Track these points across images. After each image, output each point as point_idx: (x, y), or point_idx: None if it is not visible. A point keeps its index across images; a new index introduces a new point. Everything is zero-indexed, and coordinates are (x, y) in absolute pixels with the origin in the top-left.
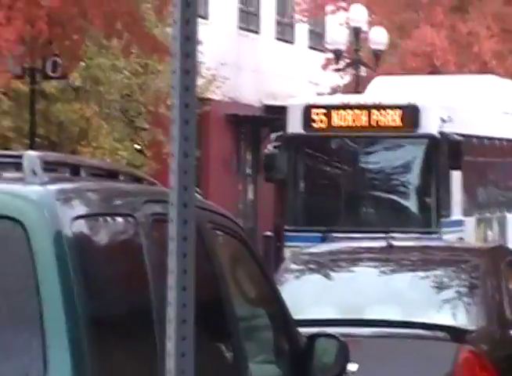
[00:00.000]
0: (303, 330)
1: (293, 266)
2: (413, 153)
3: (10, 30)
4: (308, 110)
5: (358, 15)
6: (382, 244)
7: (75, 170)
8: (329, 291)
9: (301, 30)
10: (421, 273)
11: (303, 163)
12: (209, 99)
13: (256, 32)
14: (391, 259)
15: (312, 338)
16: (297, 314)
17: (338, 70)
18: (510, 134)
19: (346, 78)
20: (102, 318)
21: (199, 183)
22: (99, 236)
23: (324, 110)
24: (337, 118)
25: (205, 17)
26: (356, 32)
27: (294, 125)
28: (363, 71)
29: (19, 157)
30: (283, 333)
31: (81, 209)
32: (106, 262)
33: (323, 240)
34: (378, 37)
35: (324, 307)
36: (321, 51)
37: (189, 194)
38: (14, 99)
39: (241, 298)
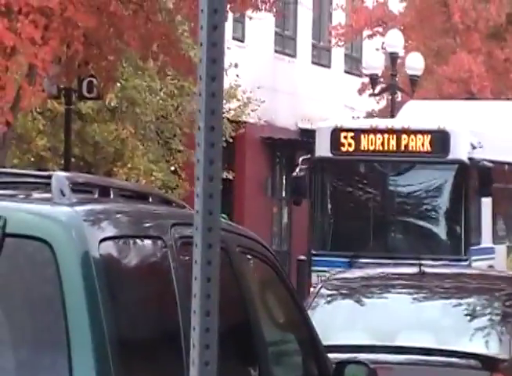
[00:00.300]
0: (333, 355)
1: (325, 291)
2: (442, 179)
3: (46, 50)
4: (336, 133)
5: (395, 40)
6: (414, 270)
7: (104, 191)
8: (361, 316)
9: (338, 55)
10: (453, 301)
11: (330, 186)
12: (244, 122)
13: (292, 56)
14: (424, 286)
15: (342, 364)
16: (327, 339)
17: (374, 94)
18: None
19: (382, 103)
20: (129, 340)
21: (233, 206)
22: (127, 258)
23: (352, 134)
24: (365, 142)
25: (241, 40)
26: (392, 57)
27: (322, 148)
28: (399, 96)
29: (49, 177)
30: (312, 358)
31: (109, 231)
32: (133, 284)
33: (350, 265)
34: (414, 63)
35: (355, 333)
36: (357, 75)
37: (214, 218)
38: (50, 119)
39: (270, 323)
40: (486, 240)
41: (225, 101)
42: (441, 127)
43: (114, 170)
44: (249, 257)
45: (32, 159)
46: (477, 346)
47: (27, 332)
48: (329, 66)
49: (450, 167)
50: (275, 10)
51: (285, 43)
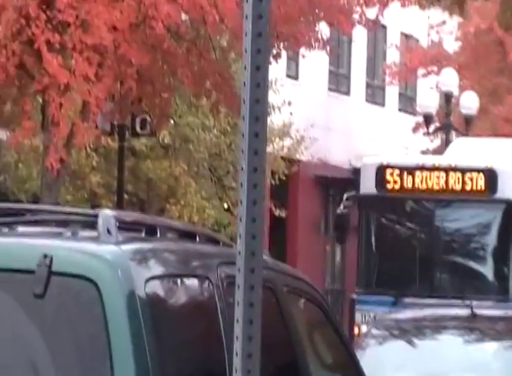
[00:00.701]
0: None
1: (376, 331)
2: (489, 218)
3: (100, 87)
4: (381, 170)
5: (450, 79)
6: (465, 312)
7: (151, 230)
8: (412, 358)
9: (392, 93)
10: (505, 343)
11: (374, 224)
12: (298, 160)
13: (346, 94)
14: (475, 328)
15: None
16: None
17: (428, 133)
18: None
19: (436, 142)
20: None
21: (286, 243)
22: (173, 297)
23: (398, 171)
24: (411, 180)
25: (295, 78)
26: (447, 96)
27: (367, 185)
28: (454, 136)
29: (95, 216)
30: None
31: (155, 270)
32: (179, 323)
33: (395, 304)
34: (469, 102)
35: (406, 374)
36: (411, 114)
37: (257, 260)
38: (103, 156)
39: (318, 364)
40: None
41: (278, 139)
42: (488, 165)
43: (167, 207)
44: (296, 297)
45: (86, 195)
46: None
47: (72, 371)
48: (383, 105)
49: (498, 206)
50: (328, 48)
51: (339, 81)
